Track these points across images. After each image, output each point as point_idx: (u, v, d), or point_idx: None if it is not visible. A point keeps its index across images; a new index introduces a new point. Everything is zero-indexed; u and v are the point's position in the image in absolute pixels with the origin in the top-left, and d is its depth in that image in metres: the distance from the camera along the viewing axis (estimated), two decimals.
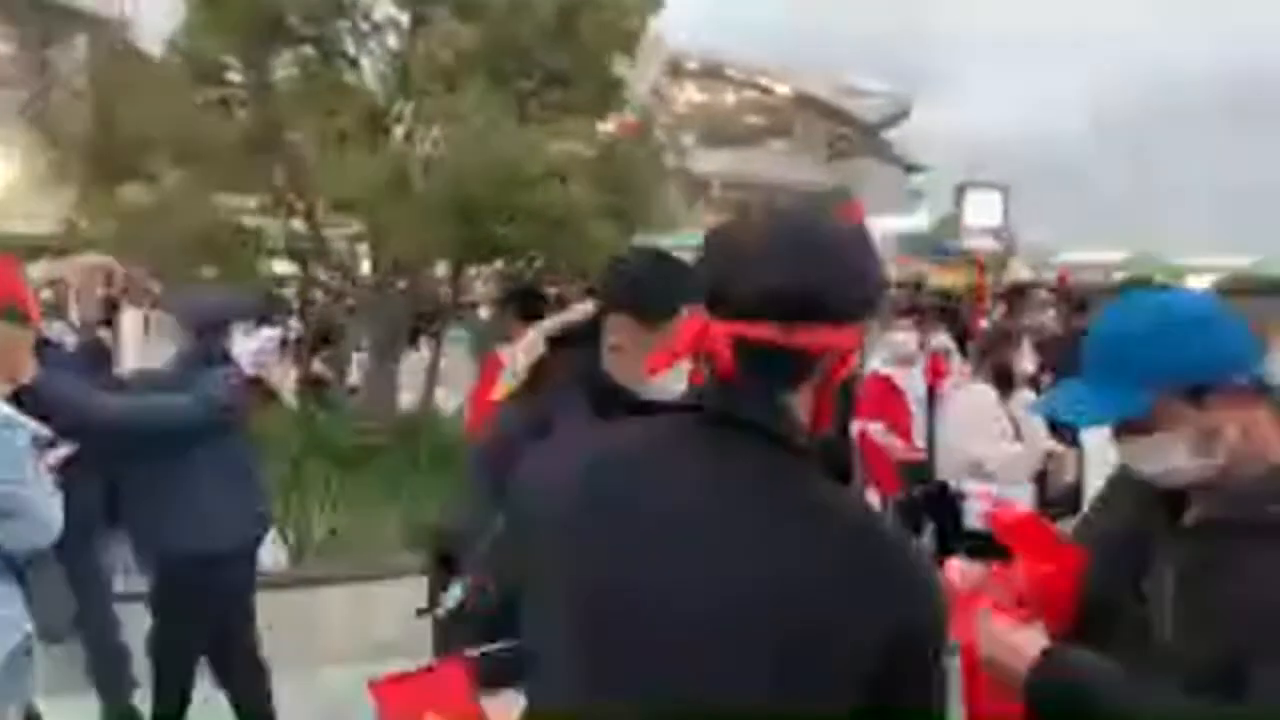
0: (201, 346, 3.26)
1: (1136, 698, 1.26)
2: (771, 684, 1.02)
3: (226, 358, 3.39)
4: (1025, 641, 1.34)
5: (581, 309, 2.04)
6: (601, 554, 1.14)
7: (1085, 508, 1.85)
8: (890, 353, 4.93)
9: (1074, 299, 6.29)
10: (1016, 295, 6.22)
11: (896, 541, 1.10)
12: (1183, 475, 1.32)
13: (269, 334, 6.45)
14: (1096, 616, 1.42)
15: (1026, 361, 4.18)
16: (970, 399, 4.21)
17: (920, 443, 4.50)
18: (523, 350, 1.98)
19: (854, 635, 1.01)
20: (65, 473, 3.11)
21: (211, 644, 3.36)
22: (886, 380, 4.77)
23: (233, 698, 3.41)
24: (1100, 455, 3.64)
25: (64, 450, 2.98)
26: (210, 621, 3.31)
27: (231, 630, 3.38)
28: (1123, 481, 1.56)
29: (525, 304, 4.70)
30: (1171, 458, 1.31)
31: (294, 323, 8.58)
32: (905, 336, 4.97)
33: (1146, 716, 1.25)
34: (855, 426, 4.93)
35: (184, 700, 3.40)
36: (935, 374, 4.65)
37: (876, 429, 4.64)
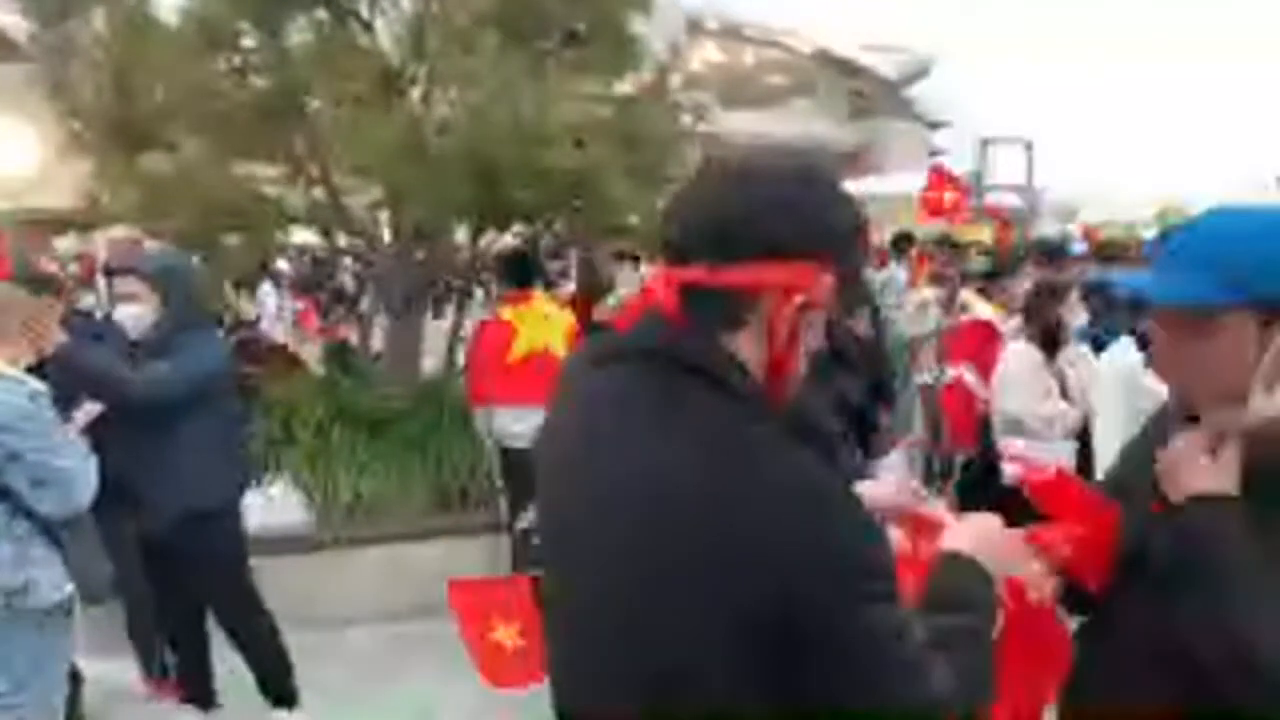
0: (179, 310, 3.31)
1: None
2: (652, 627, 1.01)
3: (216, 320, 3.52)
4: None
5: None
6: (553, 507, 1.19)
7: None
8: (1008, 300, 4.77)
9: (1104, 255, 6.20)
10: (1057, 253, 6.06)
11: (777, 480, 1.01)
12: (1234, 416, 1.24)
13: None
14: (1134, 567, 1.36)
15: (1076, 315, 4.11)
16: (1009, 357, 4.15)
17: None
18: None
19: (741, 601, 0.97)
20: (95, 435, 3.17)
21: (213, 601, 3.44)
22: (988, 325, 4.67)
23: (242, 651, 3.49)
24: (1114, 412, 3.60)
25: (92, 407, 3.03)
26: (204, 577, 3.39)
27: (228, 586, 3.47)
28: (1145, 431, 1.53)
29: (519, 269, 4.72)
30: (1224, 377, 1.23)
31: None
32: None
33: None
34: (949, 372, 4.85)
35: (203, 654, 3.49)
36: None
37: (969, 375, 4.56)
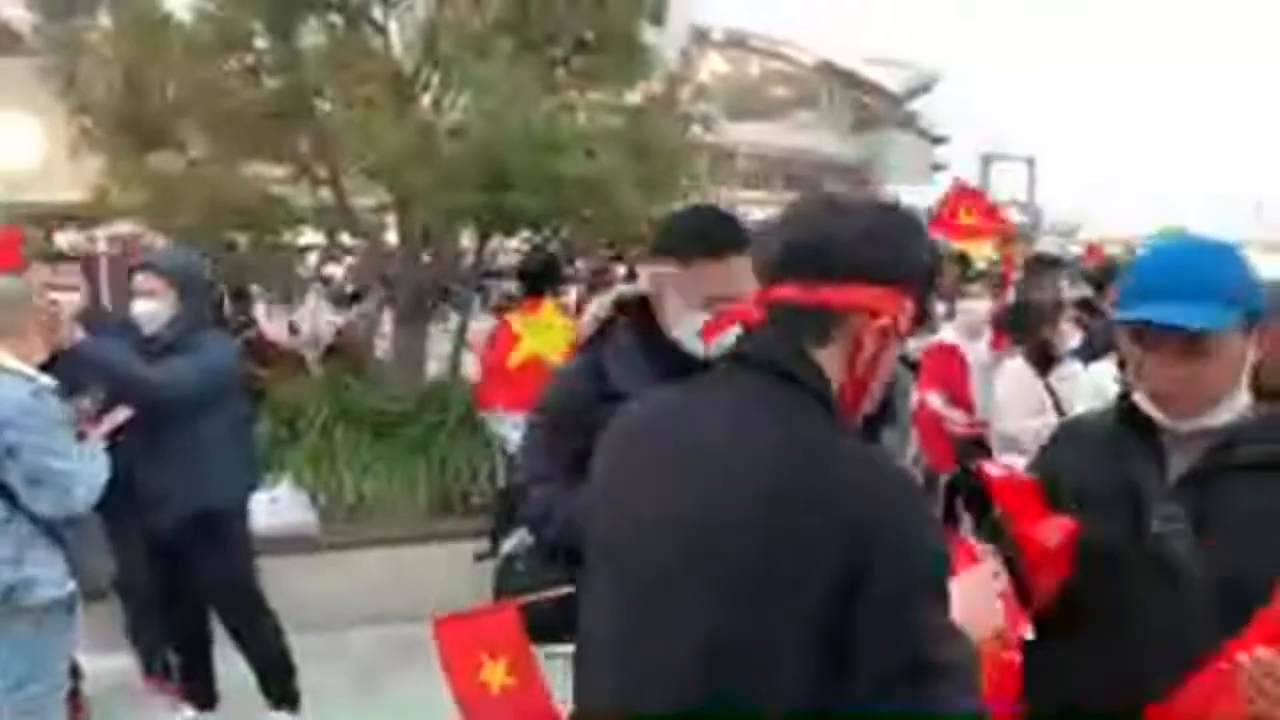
0: (193, 308, 3.31)
1: None
2: (747, 614, 1.06)
3: (219, 320, 3.50)
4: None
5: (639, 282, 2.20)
6: (624, 490, 1.24)
7: None
8: (960, 321, 4.85)
9: (1105, 272, 6.24)
10: (1044, 267, 6.11)
11: (872, 465, 1.11)
12: (1223, 410, 1.43)
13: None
14: (1100, 571, 1.46)
15: (1069, 335, 4.13)
16: (1005, 373, 4.17)
17: (981, 415, 4.43)
18: (590, 315, 2.20)
19: (817, 554, 1.03)
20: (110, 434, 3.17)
21: (218, 601, 3.43)
22: (953, 350, 4.71)
23: (245, 651, 3.48)
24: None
25: (121, 415, 3.02)
26: (211, 576, 3.39)
27: (234, 586, 3.46)
28: (1068, 436, 1.70)
29: (534, 278, 4.73)
30: (1220, 380, 1.41)
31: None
32: (974, 305, 4.86)
33: None
34: (915, 396, 4.90)
35: (206, 653, 3.49)
36: (999, 345, 4.58)
37: (936, 399, 4.59)
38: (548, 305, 4.55)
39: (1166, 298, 1.39)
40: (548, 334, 4.49)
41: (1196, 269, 1.41)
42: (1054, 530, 1.49)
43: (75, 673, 3.29)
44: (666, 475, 1.18)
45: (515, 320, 4.54)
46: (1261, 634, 1.30)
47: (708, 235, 1.80)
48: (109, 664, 3.80)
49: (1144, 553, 1.45)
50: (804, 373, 1.15)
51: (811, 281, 1.15)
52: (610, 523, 1.25)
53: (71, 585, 2.79)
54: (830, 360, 1.16)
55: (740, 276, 1.61)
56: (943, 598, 1.08)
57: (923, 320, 1.20)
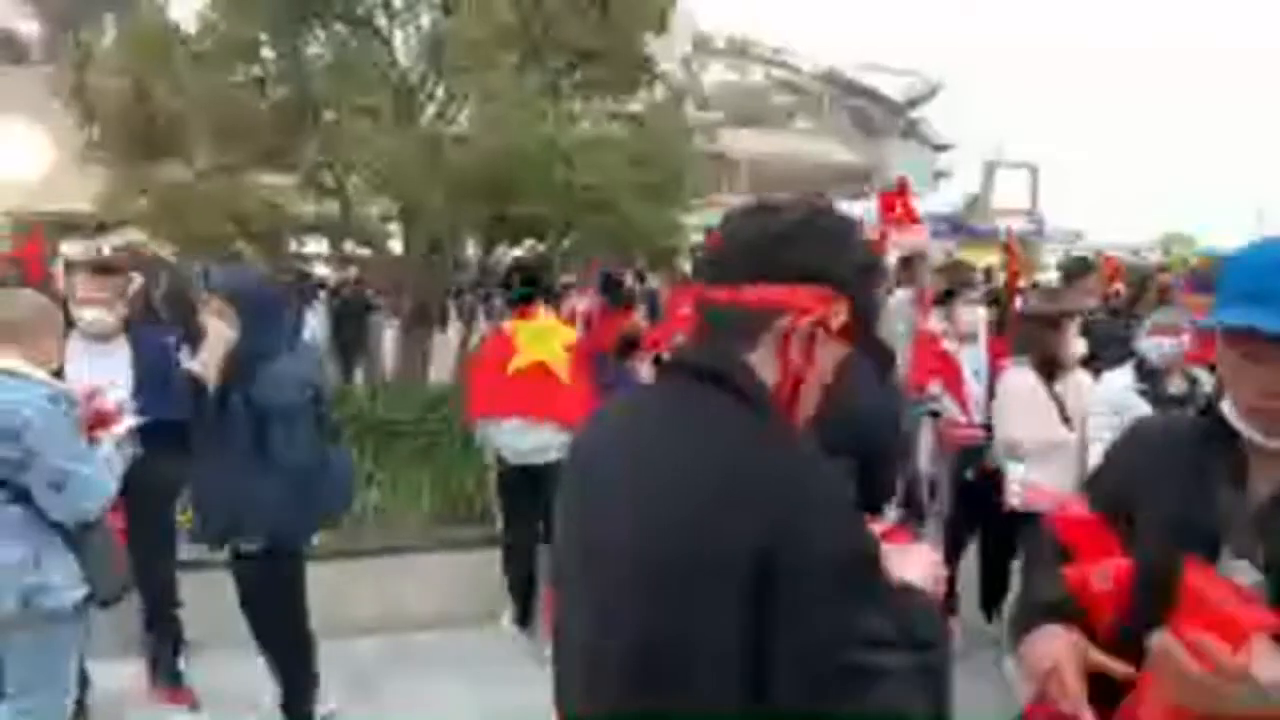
0: (265, 338, 3.08)
1: None
2: (671, 612, 1.08)
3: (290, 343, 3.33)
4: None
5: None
6: (573, 506, 1.27)
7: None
8: (954, 327, 4.82)
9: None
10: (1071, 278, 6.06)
11: (792, 466, 1.11)
12: None
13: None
14: (1162, 600, 1.35)
15: (1074, 345, 4.12)
16: (1008, 381, 4.17)
17: (978, 418, 4.42)
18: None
19: (729, 547, 1.05)
20: (143, 439, 3.20)
21: (257, 618, 3.36)
22: (936, 341, 4.65)
23: (274, 665, 3.46)
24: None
25: (131, 420, 3.03)
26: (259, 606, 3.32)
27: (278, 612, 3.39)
28: (1143, 441, 1.58)
29: (527, 284, 4.71)
30: None
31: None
32: (968, 312, 4.83)
33: None
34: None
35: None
36: (996, 353, 4.56)
37: (933, 388, 4.55)
38: (542, 310, 4.52)
39: (1237, 300, 1.31)
40: (546, 340, 4.46)
41: (1268, 274, 1.31)
42: (1106, 574, 1.43)
43: (83, 679, 3.30)
44: (610, 481, 1.21)
45: (511, 328, 4.51)
46: (1184, 621, 1.29)
47: None
48: (116, 670, 3.80)
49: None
50: (733, 375, 1.16)
51: (739, 283, 1.17)
52: (571, 529, 1.29)
53: (83, 590, 2.81)
54: (762, 362, 1.17)
55: None
56: (872, 599, 1.07)
57: (861, 322, 1.19)
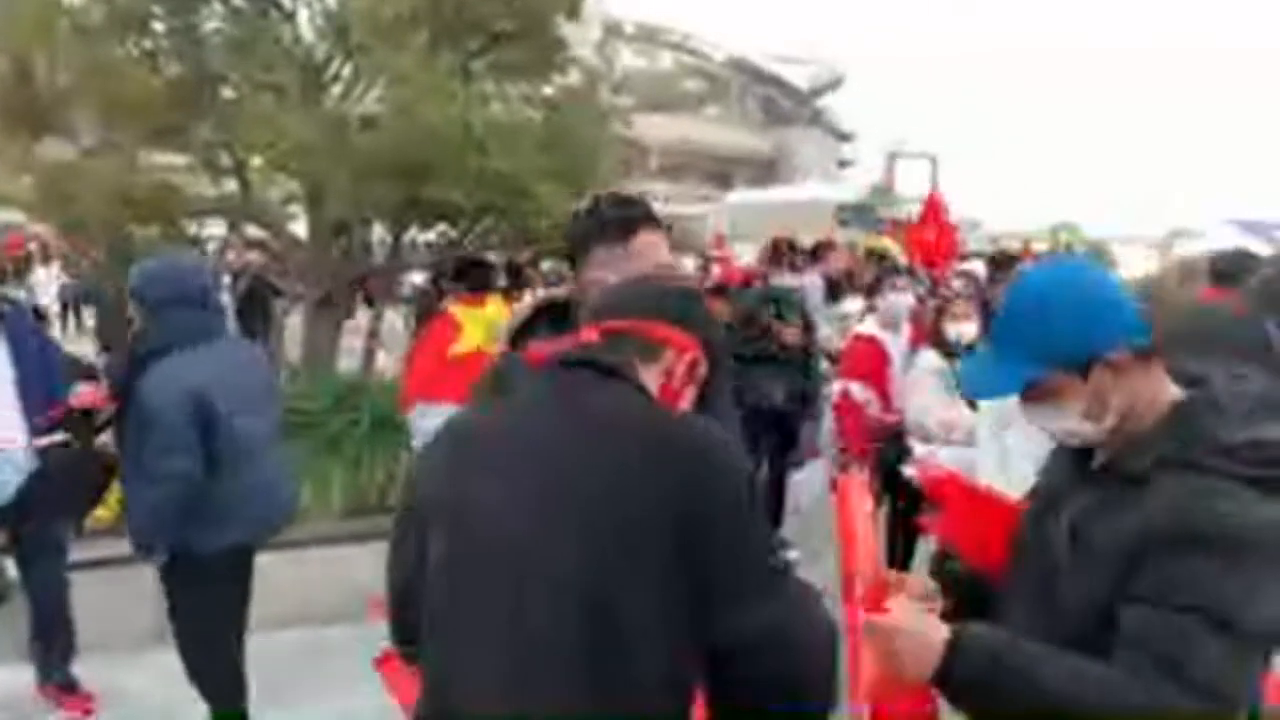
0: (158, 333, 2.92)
1: (1071, 680, 1.25)
2: (613, 575, 1.22)
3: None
4: (930, 629, 1.34)
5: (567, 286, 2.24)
6: (468, 490, 1.34)
7: None
8: (881, 314, 4.95)
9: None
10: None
11: (693, 437, 1.33)
12: (1080, 437, 1.42)
13: None
14: (1015, 566, 1.52)
15: (966, 328, 4.26)
16: (916, 365, 4.31)
17: (899, 404, 4.55)
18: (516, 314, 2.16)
19: (644, 515, 1.23)
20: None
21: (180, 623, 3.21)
22: (872, 341, 4.81)
23: (193, 677, 3.30)
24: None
25: (58, 437, 2.90)
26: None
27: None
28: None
29: (474, 275, 4.66)
30: (1065, 423, 1.41)
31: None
32: (895, 299, 4.96)
33: (1088, 701, 1.23)
34: (837, 385, 5.01)
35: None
36: (917, 338, 4.70)
37: (857, 389, 4.70)
38: (492, 299, 4.44)
39: (990, 350, 1.51)
40: (491, 328, 4.41)
41: (1005, 324, 1.47)
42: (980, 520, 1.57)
43: None
44: (513, 464, 1.33)
45: (458, 312, 4.43)
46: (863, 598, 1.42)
47: (619, 219, 1.81)
48: (17, 675, 3.62)
49: (1031, 544, 1.46)
50: (626, 372, 1.40)
51: (641, 320, 1.45)
52: (459, 517, 1.33)
53: None
54: (649, 376, 1.43)
55: (658, 249, 1.81)
56: (761, 522, 1.37)
57: (711, 376, 1.49)
